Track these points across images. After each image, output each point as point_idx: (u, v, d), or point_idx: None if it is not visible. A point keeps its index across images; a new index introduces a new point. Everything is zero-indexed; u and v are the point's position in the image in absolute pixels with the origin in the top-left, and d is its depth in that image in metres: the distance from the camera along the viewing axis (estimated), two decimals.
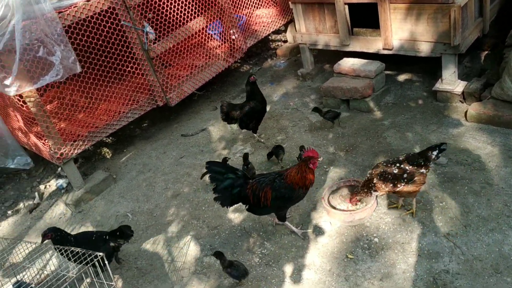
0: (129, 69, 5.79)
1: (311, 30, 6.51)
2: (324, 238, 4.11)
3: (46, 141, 5.26)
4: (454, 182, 4.32)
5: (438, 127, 5.17)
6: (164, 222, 4.87)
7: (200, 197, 5.08)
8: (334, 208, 4.26)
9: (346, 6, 5.89)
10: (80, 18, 5.13)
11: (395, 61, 6.09)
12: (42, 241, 4.05)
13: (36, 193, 6.08)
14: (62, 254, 3.69)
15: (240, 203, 4.13)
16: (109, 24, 5.41)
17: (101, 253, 3.21)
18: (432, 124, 5.25)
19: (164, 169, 5.81)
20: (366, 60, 5.98)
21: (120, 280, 4.29)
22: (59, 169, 6.48)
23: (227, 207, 4.23)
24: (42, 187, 6.26)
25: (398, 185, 3.85)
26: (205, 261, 4.22)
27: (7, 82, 4.74)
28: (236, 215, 4.66)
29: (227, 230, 4.51)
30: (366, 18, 6.13)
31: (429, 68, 6.16)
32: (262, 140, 5.79)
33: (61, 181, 6.08)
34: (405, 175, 3.83)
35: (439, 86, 5.53)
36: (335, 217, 4.16)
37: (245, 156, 5.08)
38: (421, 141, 5.00)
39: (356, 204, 4.23)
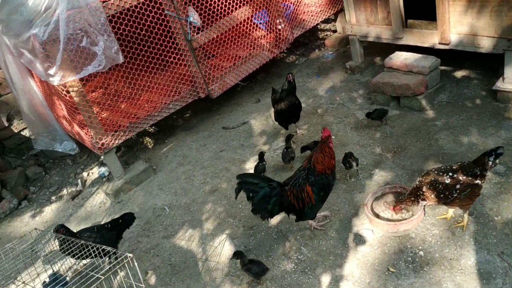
0: (171, 59, 5.70)
1: (362, 21, 6.16)
2: (365, 247, 3.87)
3: (88, 130, 5.28)
4: (511, 194, 3.94)
5: (497, 130, 4.74)
6: (200, 218, 4.78)
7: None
8: (377, 216, 4.00)
9: None
10: (124, 7, 5.06)
11: (451, 56, 5.65)
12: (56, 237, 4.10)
13: (79, 180, 6.18)
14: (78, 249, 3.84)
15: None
16: (152, 14, 5.32)
17: (130, 254, 3.13)
18: (490, 126, 4.83)
19: (203, 162, 5.72)
20: (419, 55, 5.58)
21: (153, 276, 4.25)
22: (102, 157, 6.56)
23: (267, 220, 4.04)
24: (85, 174, 6.36)
25: (450, 197, 3.54)
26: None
27: (51, 71, 4.76)
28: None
29: (263, 232, 4.36)
30: (420, 9, 5.73)
31: (489, 65, 5.67)
32: (298, 132, 5.66)
33: (103, 169, 6.13)
34: (458, 186, 3.51)
35: (500, 85, 5.07)
36: (378, 227, 3.90)
37: (261, 155, 5.07)
38: (477, 145, 4.61)
39: (399, 212, 3.95)
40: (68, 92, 4.96)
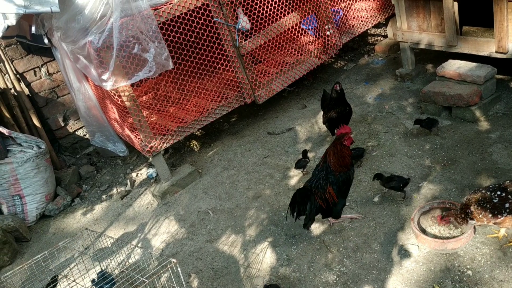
0: (219, 65, 5.78)
1: (414, 28, 6.00)
2: (410, 263, 3.77)
3: (138, 133, 5.45)
4: None
5: None
6: (243, 224, 4.82)
7: (281, 201, 4.95)
8: (424, 231, 3.88)
9: (456, 3, 5.31)
10: (175, 15, 5.18)
11: (509, 65, 5.38)
12: None
13: (128, 181, 6.38)
14: None
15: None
16: (201, 21, 5.41)
17: (174, 260, 3.21)
18: None
19: (247, 167, 5.76)
20: (474, 64, 5.36)
21: (196, 279, 4.33)
22: (150, 159, 6.75)
23: (309, 228, 4.30)
24: (134, 174, 6.56)
25: (499, 216, 3.39)
26: (280, 271, 4.10)
27: (105, 77, 4.95)
28: (315, 225, 4.46)
29: (305, 241, 4.33)
30: (475, 16, 5.52)
31: None
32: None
33: (151, 171, 6.30)
34: (507, 205, 3.36)
35: None
36: (424, 243, 3.78)
37: (305, 152, 5.34)
38: None
39: (445, 224, 3.79)
40: (119, 96, 5.14)
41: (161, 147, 5.52)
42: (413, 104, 5.93)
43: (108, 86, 5.00)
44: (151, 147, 5.43)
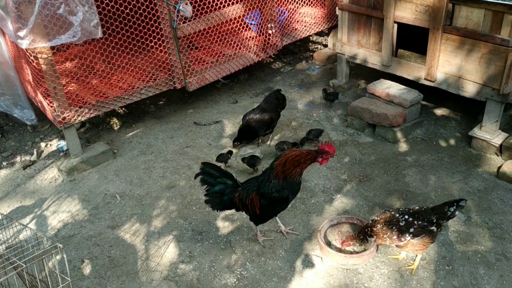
0: (152, 43, 5.47)
1: (353, 42, 6.05)
2: (311, 274, 3.74)
3: (52, 101, 5.01)
4: (467, 246, 3.86)
5: (465, 177, 4.69)
6: (150, 214, 4.58)
7: (194, 194, 4.76)
8: (329, 244, 3.88)
9: (395, 25, 5.41)
10: None
11: (435, 92, 5.57)
12: None
13: (35, 150, 5.88)
14: None
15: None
16: None
17: (60, 245, 2.91)
18: (459, 172, 4.77)
19: (166, 155, 5.51)
20: (403, 87, 5.50)
21: (89, 266, 4.03)
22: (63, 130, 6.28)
23: (217, 211, 3.95)
24: (43, 144, 6.06)
25: (403, 239, 3.44)
26: (180, 267, 3.92)
27: (21, 33, 4.48)
28: (225, 224, 4.33)
29: (211, 239, 4.18)
30: (410, 42, 5.66)
31: (470, 109, 5.64)
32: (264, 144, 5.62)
33: (62, 143, 5.84)
34: (411, 230, 3.42)
35: (476, 132, 5.03)
36: (328, 256, 3.77)
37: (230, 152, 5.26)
38: (442, 188, 4.54)
39: (347, 246, 3.82)
40: (36, 58, 4.69)
41: (75, 119, 5.12)
42: (340, 116, 5.98)
43: (24, 44, 4.53)
44: (64, 118, 5.02)
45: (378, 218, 3.58)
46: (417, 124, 5.52)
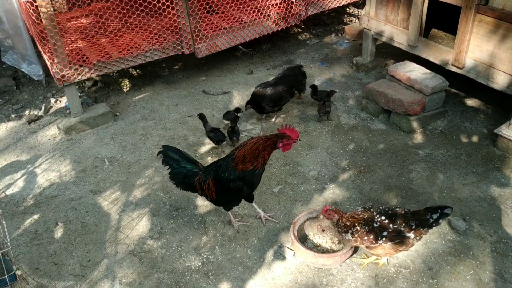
0: (160, 4, 5.18)
1: (380, 17, 5.48)
2: (279, 269, 3.45)
3: (52, 57, 4.90)
4: (461, 259, 3.42)
5: (479, 179, 4.16)
6: (134, 183, 4.42)
7: None
8: (304, 238, 3.56)
9: (426, 1, 4.80)
10: None
11: (468, 80, 4.94)
12: None
13: (43, 105, 5.86)
14: None
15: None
16: None
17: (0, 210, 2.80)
18: (474, 173, 4.24)
19: (166, 123, 5.31)
20: (428, 71, 4.93)
21: (60, 230, 3.95)
22: (77, 86, 6.22)
23: (181, 190, 3.71)
24: (52, 100, 6.04)
25: (374, 242, 3.08)
26: (148, 243, 3.75)
27: None
28: (205, 202, 4.09)
29: (186, 217, 3.97)
30: (441, 22, 5.05)
31: (505, 103, 4.99)
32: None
33: None
34: (384, 233, 3.04)
35: (503, 130, 4.43)
36: (297, 251, 3.46)
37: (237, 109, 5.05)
38: (449, 190, 4.05)
39: (329, 220, 3.38)
40: (34, 11, 4.55)
41: (74, 78, 4.99)
42: (357, 98, 5.50)
43: None
44: (63, 76, 4.90)
45: (355, 215, 3.22)
46: (438, 114, 4.96)
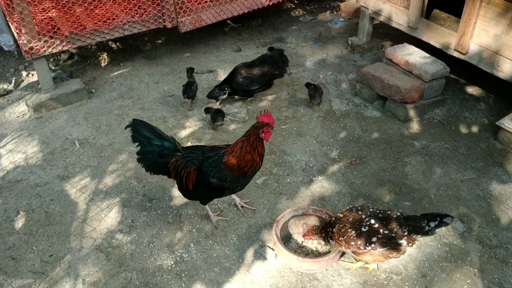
0: None
1: None
2: (259, 271, 3.15)
3: (20, 27, 4.45)
4: (457, 266, 3.13)
5: (479, 176, 3.86)
6: (105, 168, 4.06)
7: None
8: (289, 238, 3.25)
9: None
10: None
11: (467, 66, 4.59)
12: None
13: (13, 79, 5.42)
14: None
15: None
16: None
17: None
18: (473, 169, 3.93)
19: (145, 103, 4.92)
20: (427, 56, 4.57)
21: (22, 220, 3.60)
22: (52, 59, 5.77)
23: (150, 174, 3.34)
24: (24, 73, 5.59)
25: (362, 248, 2.78)
26: (117, 238, 3.42)
27: None
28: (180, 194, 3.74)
29: (160, 209, 3.64)
30: (444, 2, 4.67)
31: (507, 93, 4.66)
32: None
33: None
34: (374, 239, 2.74)
35: (506, 122, 4.11)
36: (280, 254, 3.15)
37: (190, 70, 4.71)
38: (446, 187, 3.75)
39: (310, 240, 3.16)
40: None
41: (44, 50, 4.55)
42: (351, 82, 5.13)
43: None
44: (31, 48, 4.46)
45: (342, 216, 2.91)
46: (437, 103, 4.62)
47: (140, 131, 3.18)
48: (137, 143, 3.20)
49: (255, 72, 4.60)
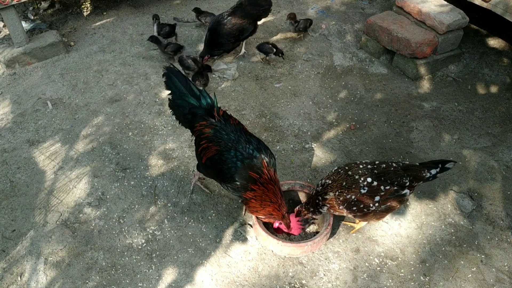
0: None
1: None
2: (237, 253, 2.82)
3: None
4: (462, 251, 2.75)
5: (495, 143, 3.40)
6: (78, 133, 3.70)
7: (138, 115, 3.81)
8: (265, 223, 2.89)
9: None
10: None
11: (491, 15, 3.99)
12: None
13: None
14: None
15: None
16: None
17: None
18: (489, 135, 3.47)
19: (127, 57, 4.48)
20: (445, 3, 3.98)
21: None
22: (31, 8, 5.31)
23: (179, 123, 2.94)
24: (1, 24, 5.14)
25: (365, 210, 2.51)
26: (85, 212, 3.10)
27: None
28: (159, 162, 3.40)
29: (134, 180, 3.29)
30: None
31: None
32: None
33: (25, 26, 4.90)
34: (377, 198, 2.45)
35: None
36: (259, 237, 2.80)
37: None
38: (455, 156, 3.32)
39: (304, 222, 2.81)
40: None
41: None
42: (356, 33, 4.58)
43: None
44: None
45: (331, 182, 2.53)
46: (452, 58, 4.08)
47: (173, 81, 2.80)
48: (169, 92, 2.84)
49: (242, 16, 4.02)
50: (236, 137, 2.61)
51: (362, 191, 2.47)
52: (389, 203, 2.52)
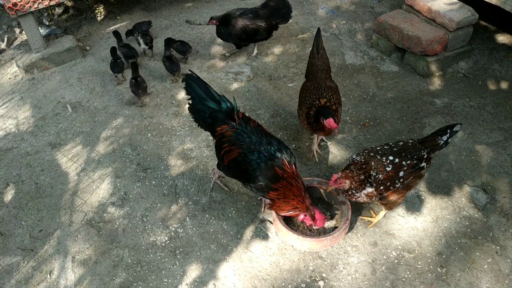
0: None
1: None
2: (259, 249, 2.91)
3: None
4: (478, 243, 2.83)
5: (507, 138, 3.47)
6: (99, 135, 3.80)
7: (155, 117, 3.91)
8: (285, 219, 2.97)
9: None
10: None
11: (500, 11, 4.05)
12: None
13: (6, 37, 5.11)
14: None
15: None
16: None
17: None
18: (501, 130, 3.53)
19: (142, 60, 4.57)
20: (455, 1, 4.04)
21: (11, 192, 3.41)
22: (46, 14, 5.42)
23: (198, 126, 3.05)
24: (17, 31, 5.27)
25: (391, 187, 2.62)
26: (109, 211, 3.20)
27: None
28: (178, 162, 3.49)
29: (155, 179, 3.39)
30: None
31: None
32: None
33: (42, 31, 5.02)
34: (401, 174, 2.58)
35: None
36: (279, 232, 2.89)
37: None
38: (468, 151, 3.39)
39: (340, 186, 2.77)
40: None
41: (30, 6, 4.21)
42: (367, 32, 4.65)
43: None
44: (15, 4, 4.12)
45: (364, 161, 2.66)
46: (462, 54, 4.15)
47: (193, 87, 2.91)
48: (189, 96, 2.95)
49: (260, 17, 4.12)
50: (258, 139, 2.69)
51: (388, 168, 2.57)
52: (410, 179, 2.63)
